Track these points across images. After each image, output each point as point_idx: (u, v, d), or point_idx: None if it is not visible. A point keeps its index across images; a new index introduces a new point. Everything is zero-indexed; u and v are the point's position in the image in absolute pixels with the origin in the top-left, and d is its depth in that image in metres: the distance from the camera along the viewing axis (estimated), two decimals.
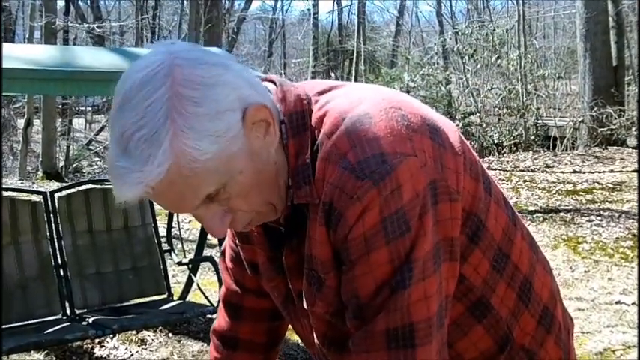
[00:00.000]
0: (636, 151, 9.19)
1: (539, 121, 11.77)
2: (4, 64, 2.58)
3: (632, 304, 4.17)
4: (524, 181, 8.39)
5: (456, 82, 12.80)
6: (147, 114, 0.82)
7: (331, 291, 0.95)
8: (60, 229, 3.40)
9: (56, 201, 3.43)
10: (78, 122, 18.29)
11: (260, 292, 1.16)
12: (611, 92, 10.35)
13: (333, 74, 21.90)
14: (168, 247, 3.84)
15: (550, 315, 1.08)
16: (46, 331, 3.05)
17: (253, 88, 0.90)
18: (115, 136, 0.84)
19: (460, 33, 13.29)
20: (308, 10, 25.78)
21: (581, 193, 7.51)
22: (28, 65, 2.85)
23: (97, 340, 3.58)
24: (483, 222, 0.98)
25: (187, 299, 3.81)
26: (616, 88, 10.51)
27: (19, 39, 19.55)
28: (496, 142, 11.51)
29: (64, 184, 5.48)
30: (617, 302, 4.29)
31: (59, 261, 3.36)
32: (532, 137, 11.30)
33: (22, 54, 3.19)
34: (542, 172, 9.05)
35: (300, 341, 1.14)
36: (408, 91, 12.64)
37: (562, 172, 8.88)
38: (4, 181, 9.79)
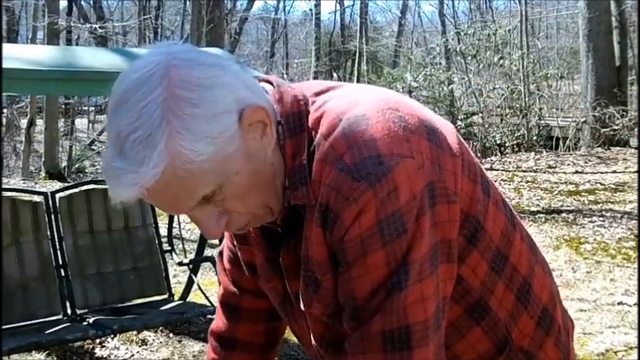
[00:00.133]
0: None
1: (542, 122, 11.76)
2: (5, 65, 2.59)
3: (635, 305, 4.15)
4: (527, 182, 8.38)
5: (459, 83, 12.78)
6: (142, 115, 0.82)
7: (328, 292, 0.95)
8: (61, 229, 3.40)
9: (57, 201, 3.43)
10: (80, 122, 18.32)
11: (258, 293, 1.16)
12: (614, 92, 10.33)
13: (335, 74, 21.90)
14: (169, 248, 3.84)
15: (549, 317, 1.08)
16: (47, 332, 3.05)
17: (250, 90, 0.90)
18: (111, 136, 0.84)
19: (463, 33, 13.28)
20: (310, 10, 25.79)
21: (583, 194, 7.50)
22: (28, 65, 2.85)
23: (97, 341, 3.58)
24: (481, 224, 0.97)
25: (188, 299, 3.82)
26: (619, 88, 10.49)
27: (22, 39, 19.60)
28: (498, 142, 11.50)
29: (65, 184, 5.49)
30: (619, 303, 4.28)
31: (60, 261, 3.37)
32: (534, 137, 11.28)
33: (23, 54, 3.20)
34: (544, 172, 9.04)
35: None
36: (410, 92, 12.64)
37: (564, 173, 8.86)
38: (6, 180, 9.81)
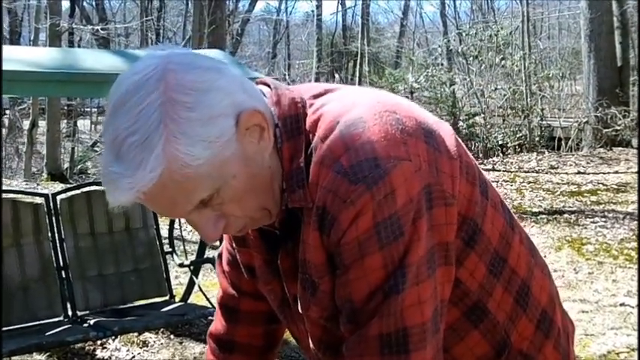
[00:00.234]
0: None
1: (544, 122, 11.75)
2: (6, 66, 2.59)
3: (637, 306, 4.14)
4: (529, 182, 8.37)
5: (461, 83, 12.78)
6: (139, 119, 0.82)
7: (325, 295, 0.94)
8: (62, 230, 3.41)
9: (58, 203, 3.44)
10: (83, 123, 18.36)
11: (257, 295, 1.16)
12: (616, 93, 10.31)
13: (337, 75, 21.91)
14: (170, 249, 3.84)
15: (549, 319, 1.07)
16: (48, 333, 3.05)
17: (247, 93, 0.90)
18: (107, 140, 0.85)
19: (464, 34, 13.27)
20: (312, 11, 25.81)
21: (585, 194, 7.49)
22: (28, 67, 2.86)
23: (98, 342, 3.58)
24: (480, 226, 0.97)
25: (189, 301, 3.82)
26: (621, 88, 10.48)
27: (24, 41, 19.65)
28: (500, 142, 11.49)
29: (67, 186, 5.49)
30: (621, 304, 4.27)
31: (61, 263, 3.37)
32: (536, 138, 11.27)
33: (23, 56, 3.20)
34: (546, 173, 9.02)
35: None
36: (412, 92, 12.63)
37: (566, 173, 8.85)
38: (8, 182, 9.82)
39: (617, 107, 10.11)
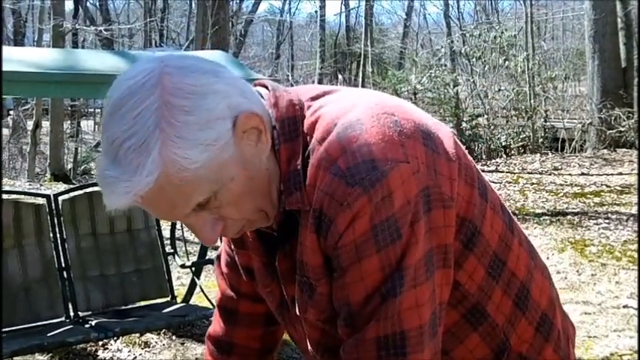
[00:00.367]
0: None
1: (547, 123, 11.73)
2: (6, 67, 2.60)
3: (637, 308, 4.12)
4: (532, 184, 8.35)
5: (464, 84, 12.76)
6: (136, 123, 0.82)
7: (323, 298, 0.94)
8: (63, 231, 3.41)
9: (60, 204, 3.44)
10: (86, 124, 18.40)
11: (255, 297, 1.16)
12: (620, 94, 10.28)
13: (340, 76, 21.91)
14: (172, 250, 3.84)
15: (549, 322, 1.07)
16: (49, 334, 3.05)
17: (244, 96, 0.89)
18: (104, 144, 0.85)
19: (468, 35, 13.26)
20: (315, 12, 25.82)
21: (589, 196, 7.46)
22: (29, 68, 2.86)
23: (100, 343, 3.58)
24: (478, 228, 0.97)
25: (191, 302, 3.81)
26: (625, 89, 10.44)
27: (28, 41, 19.70)
28: (504, 144, 11.48)
29: (69, 187, 5.50)
30: (624, 306, 4.25)
31: (62, 264, 3.37)
32: (540, 139, 11.26)
33: (25, 57, 3.21)
34: (549, 174, 9.00)
35: None
36: (415, 93, 12.63)
37: (570, 175, 8.82)
38: (12, 182, 9.85)
39: (621, 108, 10.08)
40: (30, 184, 9.68)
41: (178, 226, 4.06)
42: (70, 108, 15.79)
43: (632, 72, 10.88)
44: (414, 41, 21.15)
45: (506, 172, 9.27)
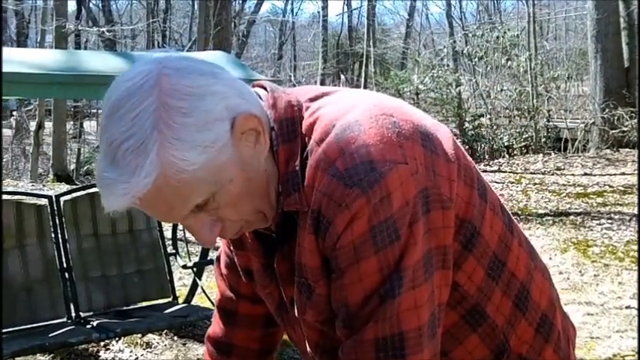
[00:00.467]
0: None
1: (550, 123, 11.71)
2: (6, 68, 2.60)
3: (637, 308, 4.11)
4: (535, 184, 8.34)
5: (466, 84, 12.75)
6: (134, 125, 0.82)
7: (322, 299, 0.94)
8: (65, 232, 3.41)
9: (61, 204, 3.44)
10: (89, 125, 18.41)
11: (255, 298, 1.16)
12: (623, 94, 10.25)
13: (342, 76, 21.92)
14: (174, 251, 3.84)
15: (549, 323, 1.06)
16: (51, 335, 3.06)
17: (242, 97, 0.89)
18: (103, 146, 0.85)
19: (470, 35, 13.25)
20: (318, 12, 25.83)
21: (591, 196, 7.45)
22: (31, 69, 2.87)
23: (102, 343, 3.59)
24: (478, 229, 0.96)
25: (193, 302, 3.81)
26: (628, 89, 10.41)
27: (31, 42, 19.75)
28: (506, 144, 11.46)
29: (71, 187, 5.51)
30: (627, 307, 4.24)
31: (64, 264, 3.38)
32: (543, 139, 11.24)
33: (27, 58, 3.21)
34: (552, 174, 8.98)
35: None
36: (417, 93, 12.62)
37: (573, 175, 8.81)
38: (15, 183, 9.87)
39: (624, 108, 10.06)
40: (33, 185, 9.70)
41: (180, 226, 4.06)
42: (72, 109, 15.82)
43: (635, 72, 10.85)
44: (417, 41, 21.14)
45: (509, 172, 9.26)
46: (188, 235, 4.14)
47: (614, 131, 10.07)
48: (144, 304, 3.60)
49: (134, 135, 0.82)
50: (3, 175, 12.77)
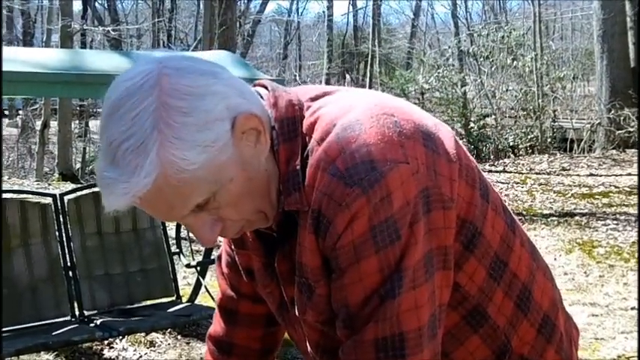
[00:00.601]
0: None
1: (556, 124, 11.67)
2: (11, 67, 2.61)
3: (637, 308, 4.09)
4: (540, 184, 8.31)
5: (472, 84, 12.72)
6: (134, 124, 0.82)
7: (322, 299, 0.94)
8: (69, 230, 3.42)
9: (66, 203, 3.45)
10: (95, 124, 18.45)
11: (256, 297, 1.16)
12: (629, 94, 10.20)
13: (348, 76, 21.91)
14: (177, 250, 3.84)
15: (551, 324, 1.06)
16: (54, 333, 3.07)
17: (243, 97, 0.89)
18: (103, 145, 0.85)
19: (476, 34, 13.22)
20: (323, 12, 25.82)
21: (597, 197, 7.42)
22: (35, 68, 2.88)
23: (106, 342, 3.59)
24: (479, 229, 0.96)
25: (196, 301, 3.82)
26: (634, 89, 10.37)
27: (37, 42, 19.82)
28: (512, 144, 11.43)
29: (75, 186, 5.53)
30: (632, 308, 4.22)
31: (68, 263, 3.38)
32: (548, 140, 11.20)
33: (31, 57, 3.22)
34: (557, 174, 8.95)
35: None
36: (422, 93, 12.60)
37: (578, 175, 8.78)
38: (20, 182, 9.91)
39: (630, 109, 10.01)
40: (38, 184, 9.73)
41: (183, 226, 4.06)
42: (78, 108, 15.87)
43: None
44: (422, 41, 21.11)
45: (514, 173, 9.24)
46: (192, 234, 4.14)
47: (620, 132, 10.03)
48: (147, 302, 3.61)
49: (134, 135, 0.82)
50: (9, 173, 12.82)
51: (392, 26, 28.60)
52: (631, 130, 10.01)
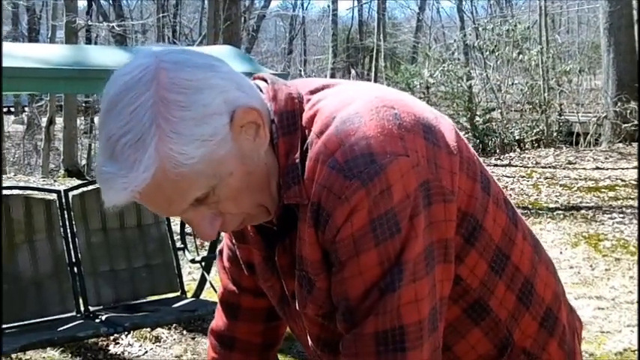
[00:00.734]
0: None
1: (562, 117, 11.62)
2: (13, 63, 2.61)
3: (637, 302, 4.07)
4: (546, 178, 8.28)
5: (477, 78, 12.68)
6: (132, 119, 0.82)
7: (322, 293, 0.94)
8: (74, 226, 3.43)
9: (70, 199, 3.46)
10: None
11: (257, 292, 1.16)
12: (636, 87, 10.15)
13: (353, 71, 21.87)
14: (182, 245, 3.85)
15: (553, 317, 1.05)
16: (60, 329, 3.08)
17: (241, 90, 0.89)
18: (101, 140, 0.85)
19: (481, 28, 13.17)
20: (328, 6, 25.76)
21: (603, 190, 7.39)
22: (38, 64, 2.88)
23: (111, 338, 3.61)
24: (480, 222, 0.95)
25: (201, 297, 3.83)
26: None
27: (42, 38, 19.86)
28: (517, 138, 11.40)
29: (79, 182, 5.54)
30: (638, 302, 4.20)
31: (73, 259, 3.39)
32: (554, 133, 11.16)
33: (34, 53, 3.23)
34: (563, 168, 8.92)
35: None
36: (427, 87, 12.56)
37: (584, 169, 8.74)
38: (26, 178, 9.95)
39: (637, 102, 9.96)
40: (44, 180, 9.77)
41: None
42: (84, 104, 15.91)
43: None
44: (427, 35, 21.02)
45: (520, 167, 9.20)
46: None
47: (626, 125, 9.98)
48: (152, 298, 3.62)
49: (132, 129, 0.82)
50: (15, 170, 12.86)
51: (397, 20, 28.55)
52: (637, 123, 9.96)
